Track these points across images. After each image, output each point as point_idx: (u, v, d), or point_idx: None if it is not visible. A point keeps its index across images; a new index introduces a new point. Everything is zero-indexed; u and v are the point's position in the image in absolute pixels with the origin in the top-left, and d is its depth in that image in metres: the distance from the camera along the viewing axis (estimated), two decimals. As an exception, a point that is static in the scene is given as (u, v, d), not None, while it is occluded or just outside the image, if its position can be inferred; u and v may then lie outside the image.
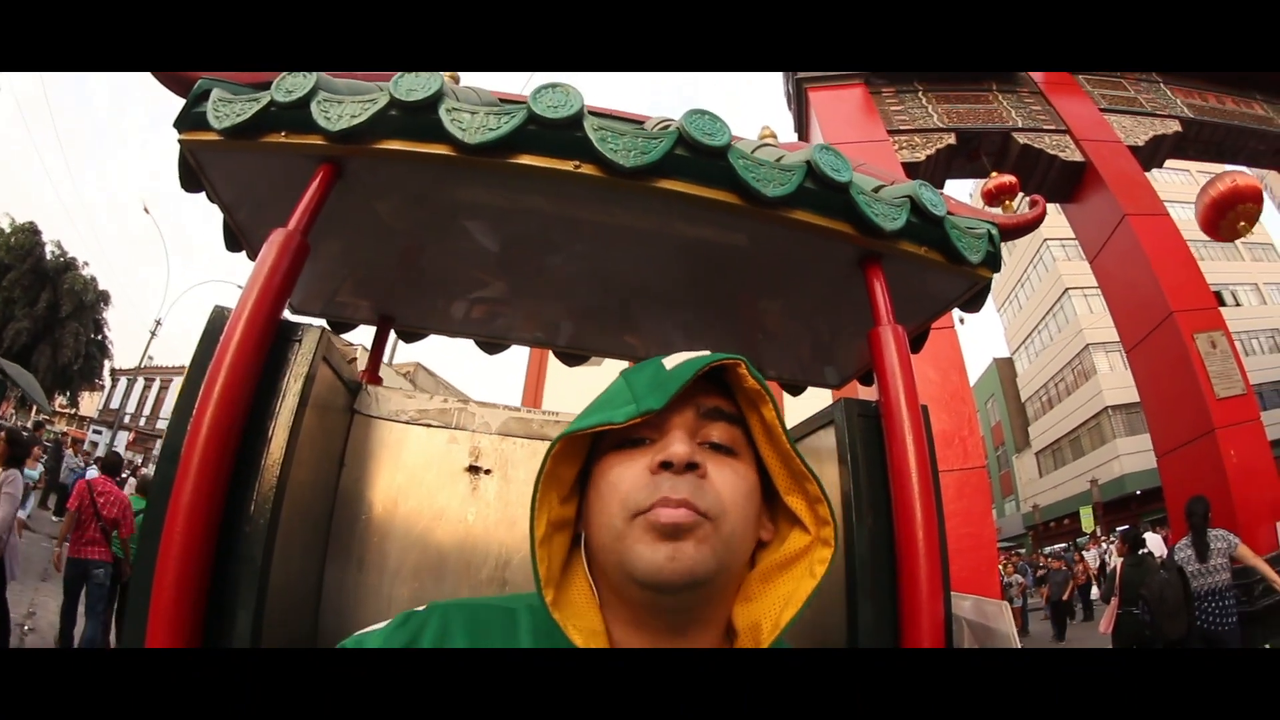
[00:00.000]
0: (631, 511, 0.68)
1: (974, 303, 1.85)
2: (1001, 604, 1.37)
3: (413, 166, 1.47)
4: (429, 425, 1.92)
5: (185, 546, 1.11)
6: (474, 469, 1.91)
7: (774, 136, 2.08)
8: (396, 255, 2.04)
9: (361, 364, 2.26)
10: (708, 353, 0.75)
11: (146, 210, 25.58)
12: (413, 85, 1.40)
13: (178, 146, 1.57)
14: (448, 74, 1.80)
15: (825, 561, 0.72)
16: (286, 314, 1.43)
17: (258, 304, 1.29)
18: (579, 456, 0.77)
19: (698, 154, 1.41)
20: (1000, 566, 13.15)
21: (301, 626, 1.59)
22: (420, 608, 0.75)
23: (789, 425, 1.99)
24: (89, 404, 38.40)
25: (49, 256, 27.86)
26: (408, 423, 1.90)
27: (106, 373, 32.99)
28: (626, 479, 0.70)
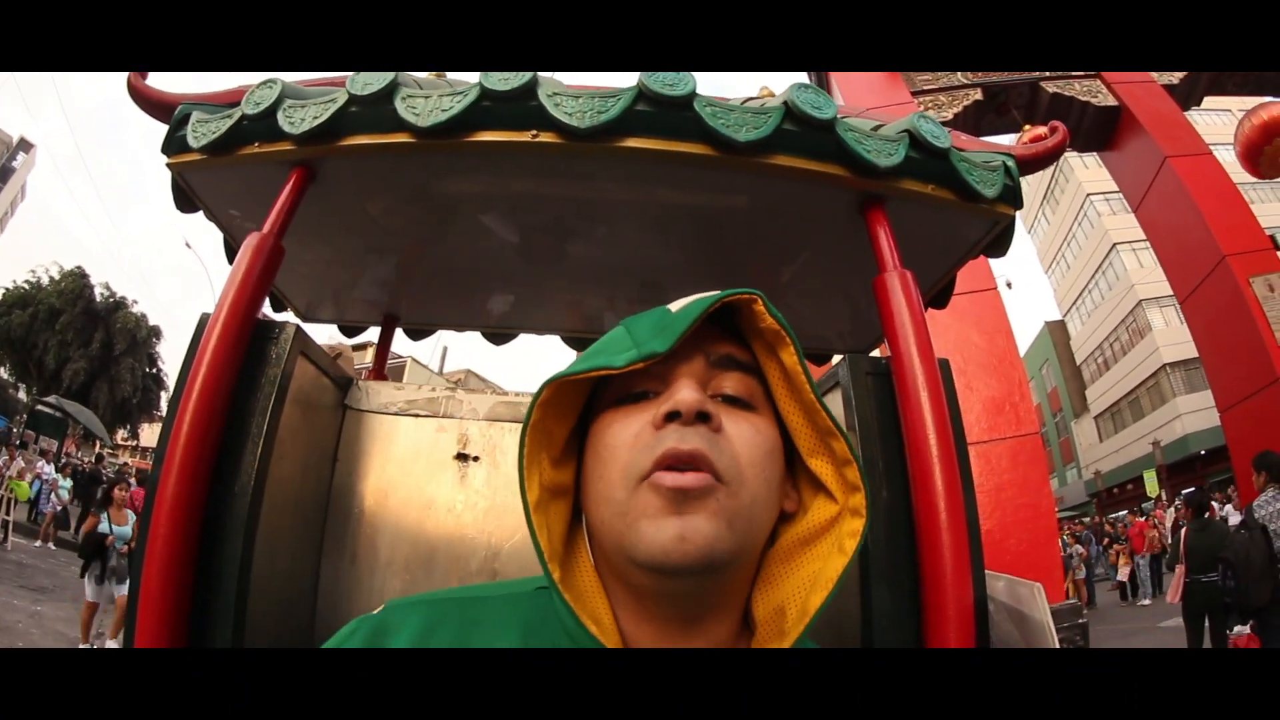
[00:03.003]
0: (634, 478, 0.57)
1: (998, 245, 1.69)
2: (1034, 586, 1.21)
3: (382, 159, 1.49)
4: (417, 415, 1.88)
5: (168, 542, 1.13)
6: (462, 456, 1.87)
7: (773, 95, 1.95)
8: (392, 254, 2.06)
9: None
10: (717, 291, 0.64)
11: (188, 245, 26.35)
12: (369, 80, 1.41)
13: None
14: (435, 73, 1.75)
15: (857, 534, 0.61)
16: (272, 315, 1.52)
17: (234, 305, 1.33)
18: (572, 412, 0.67)
19: (660, 106, 1.32)
20: (1062, 537, 12.43)
21: (298, 621, 1.60)
22: (375, 611, 0.65)
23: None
24: (150, 435, 39.93)
25: (99, 298, 28.96)
26: (397, 414, 1.88)
27: (164, 404, 34.17)
28: (624, 439, 0.60)
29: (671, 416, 0.58)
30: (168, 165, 1.58)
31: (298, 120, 1.42)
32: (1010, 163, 1.55)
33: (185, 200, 1.70)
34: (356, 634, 0.63)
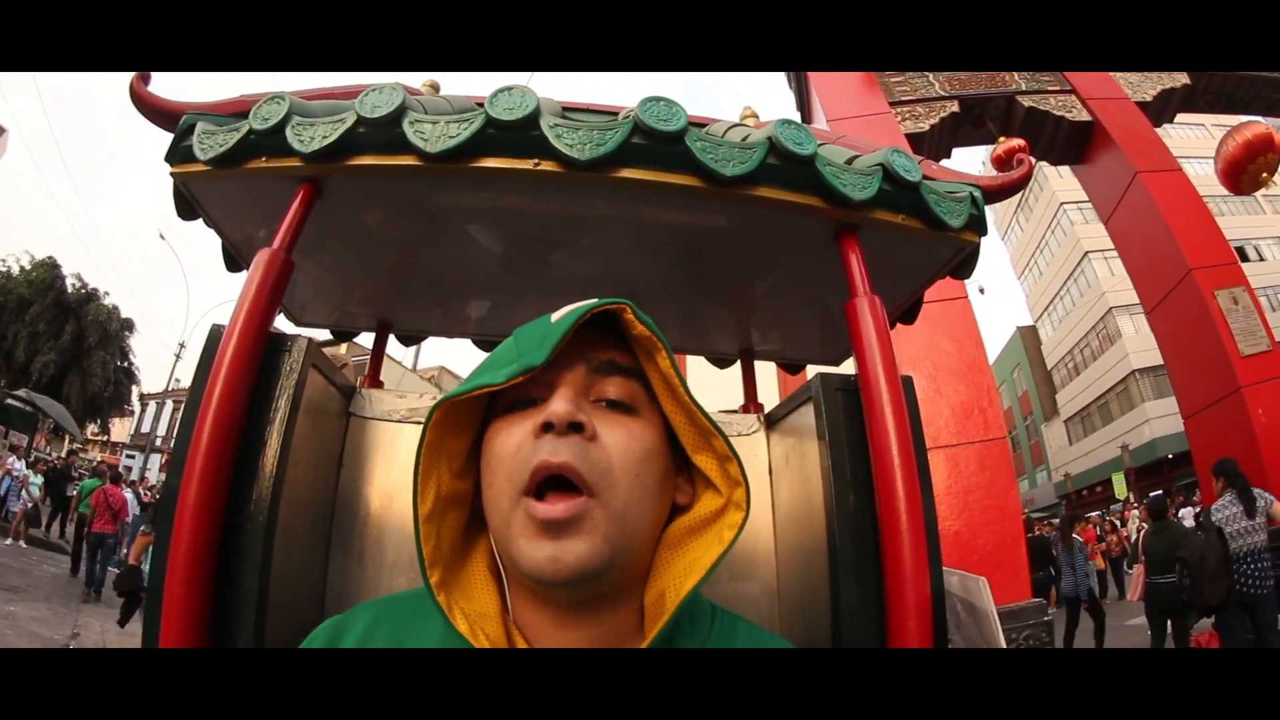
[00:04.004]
0: (517, 489, 0.62)
1: (963, 268, 1.81)
2: (980, 580, 1.34)
3: (387, 178, 1.53)
4: (418, 423, 1.92)
5: (191, 547, 1.17)
6: None
7: (755, 117, 2.05)
8: (389, 263, 2.09)
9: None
10: (594, 300, 0.69)
11: (162, 236, 26.08)
12: (377, 102, 1.45)
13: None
14: (426, 82, 1.82)
15: (735, 526, 0.66)
16: (281, 326, 1.50)
17: (248, 320, 1.36)
18: (472, 424, 0.73)
19: (655, 140, 1.40)
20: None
21: (308, 618, 1.63)
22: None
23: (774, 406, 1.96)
24: (120, 430, 39.19)
25: (70, 289, 28.31)
26: (400, 421, 1.93)
27: (135, 398, 33.54)
28: (509, 449, 0.65)
29: (547, 426, 0.62)
30: (171, 174, 1.60)
31: (307, 138, 1.45)
32: (976, 193, 1.65)
33: (187, 208, 1.71)
34: (323, 632, 0.71)
